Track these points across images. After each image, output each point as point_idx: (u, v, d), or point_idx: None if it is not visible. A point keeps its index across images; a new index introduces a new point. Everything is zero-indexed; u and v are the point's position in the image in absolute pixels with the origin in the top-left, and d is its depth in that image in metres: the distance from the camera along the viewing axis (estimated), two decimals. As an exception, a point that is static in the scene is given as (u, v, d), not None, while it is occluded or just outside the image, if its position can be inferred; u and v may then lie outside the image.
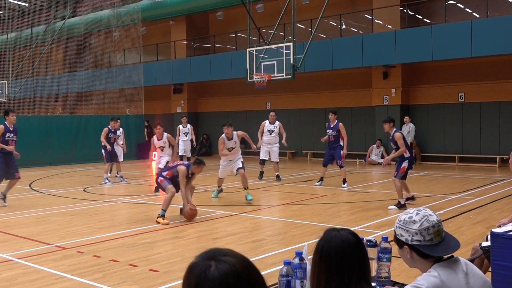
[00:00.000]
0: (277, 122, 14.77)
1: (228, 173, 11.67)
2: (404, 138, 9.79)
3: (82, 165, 21.36)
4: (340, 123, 13.14)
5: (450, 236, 2.37)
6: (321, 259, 2.07)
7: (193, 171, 9.01)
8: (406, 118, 18.71)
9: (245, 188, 10.97)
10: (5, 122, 10.70)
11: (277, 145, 14.75)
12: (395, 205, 9.77)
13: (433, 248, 2.29)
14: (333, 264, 2.04)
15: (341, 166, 13.00)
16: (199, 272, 1.34)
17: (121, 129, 16.30)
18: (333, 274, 2.04)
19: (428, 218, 2.30)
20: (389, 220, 8.58)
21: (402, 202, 9.75)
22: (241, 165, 11.10)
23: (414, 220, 2.31)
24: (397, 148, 9.71)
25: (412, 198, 10.05)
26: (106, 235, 7.86)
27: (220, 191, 11.73)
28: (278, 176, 14.59)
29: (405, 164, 9.71)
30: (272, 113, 15.07)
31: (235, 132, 11.09)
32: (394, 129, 9.81)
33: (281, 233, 7.77)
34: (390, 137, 9.88)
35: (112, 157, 14.91)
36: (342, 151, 12.93)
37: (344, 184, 12.75)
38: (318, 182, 13.34)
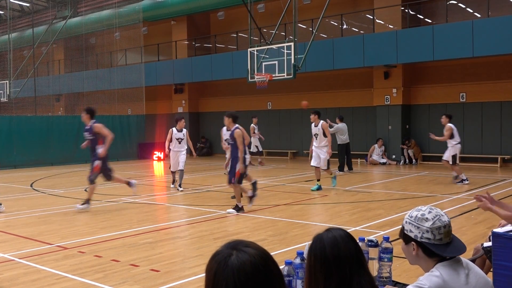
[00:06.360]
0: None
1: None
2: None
3: (84, 165, 21.31)
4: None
5: (456, 238, 2.39)
6: (316, 260, 2.05)
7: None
8: (337, 119, 17.11)
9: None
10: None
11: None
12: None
13: (441, 248, 2.30)
14: (330, 259, 2.02)
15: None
16: (220, 259, 1.48)
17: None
18: (332, 269, 2.03)
19: (440, 218, 2.33)
20: (390, 220, 8.57)
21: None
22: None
23: (427, 218, 2.32)
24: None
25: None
26: (107, 235, 7.86)
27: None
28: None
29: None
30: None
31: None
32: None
33: (282, 233, 7.76)
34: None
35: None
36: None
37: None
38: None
